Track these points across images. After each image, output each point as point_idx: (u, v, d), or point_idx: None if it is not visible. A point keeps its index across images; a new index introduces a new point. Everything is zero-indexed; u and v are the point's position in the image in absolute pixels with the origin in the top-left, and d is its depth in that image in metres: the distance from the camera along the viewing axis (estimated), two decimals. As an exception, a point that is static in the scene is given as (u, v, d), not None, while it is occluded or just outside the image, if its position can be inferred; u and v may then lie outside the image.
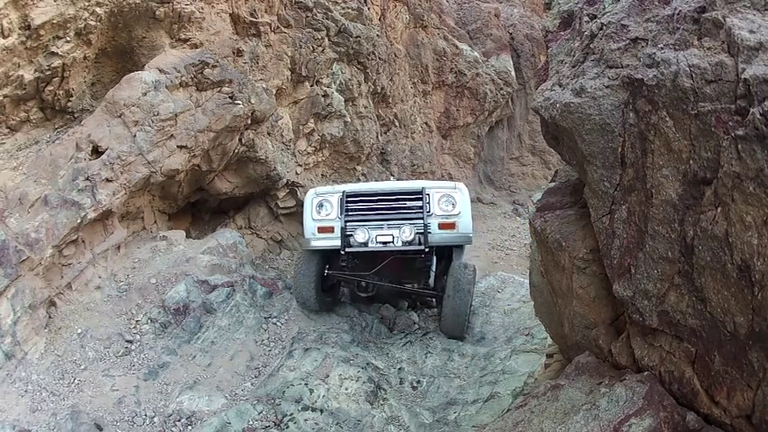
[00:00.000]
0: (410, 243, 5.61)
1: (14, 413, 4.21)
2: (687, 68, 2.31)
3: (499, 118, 15.54)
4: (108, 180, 5.51)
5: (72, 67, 5.76)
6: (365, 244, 5.64)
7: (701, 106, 2.24)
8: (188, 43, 6.60)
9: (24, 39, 5.06)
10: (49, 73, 5.47)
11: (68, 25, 5.35)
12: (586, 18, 3.23)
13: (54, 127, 5.95)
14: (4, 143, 5.50)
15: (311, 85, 9.07)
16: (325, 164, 10.06)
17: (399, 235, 5.62)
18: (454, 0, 15.18)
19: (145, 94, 5.87)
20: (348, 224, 5.73)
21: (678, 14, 2.52)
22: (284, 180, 8.34)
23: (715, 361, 2.29)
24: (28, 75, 5.30)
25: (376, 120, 10.97)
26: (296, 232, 8.91)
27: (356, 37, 9.54)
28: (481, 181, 15.26)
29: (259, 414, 4.43)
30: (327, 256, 6.11)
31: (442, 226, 5.72)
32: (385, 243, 5.65)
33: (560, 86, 3.10)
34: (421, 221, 5.66)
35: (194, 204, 8.01)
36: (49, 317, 5.07)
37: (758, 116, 1.98)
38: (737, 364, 2.19)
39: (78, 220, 5.19)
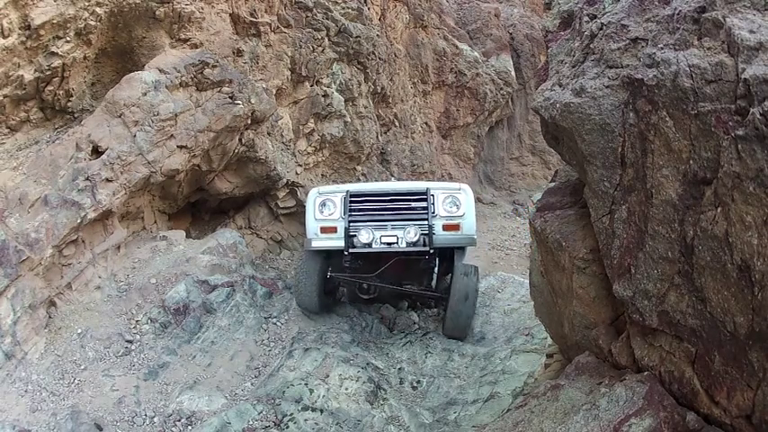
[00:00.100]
0: (414, 244, 5.54)
1: (14, 413, 4.21)
2: (687, 68, 2.31)
3: (499, 118, 15.54)
4: (108, 180, 5.51)
5: (72, 67, 5.76)
6: (369, 245, 5.57)
7: (701, 106, 2.24)
8: (188, 43, 6.60)
9: (24, 39, 5.06)
10: (49, 73, 5.47)
11: (68, 25, 5.35)
12: (586, 18, 3.23)
13: (54, 127, 5.95)
14: (4, 143, 5.50)
15: (311, 85, 9.07)
16: (325, 164, 10.06)
17: (404, 236, 5.55)
18: (454, 0, 15.18)
19: (145, 94, 5.87)
20: (352, 224, 5.65)
21: (678, 14, 2.52)
22: (284, 180, 8.34)
23: (715, 361, 2.29)
24: (28, 75, 5.30)
25: (376, 120, 10.97)
26: (296, 232, 8.91)
27: (356, 37, 9.54)
28: (481, 181, 15.26)
29: (259, 414, 4.43)
30: (330, 257, 6.03)
31: (446, 227, 5.67)
32: (389, 244, 5.58)
33: (560, 86, 3.10)
34: (425, 222, 5.61)
35: (194, 204, 8.01)
36: (49, 317, 5.07)
37: (758, 116, 1.98)
38: (737, 364, 2.19)
39: (78, 220, 5.19)
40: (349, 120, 9.91)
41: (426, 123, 13.49)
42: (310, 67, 8.76)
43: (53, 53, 5.39)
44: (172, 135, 6.12)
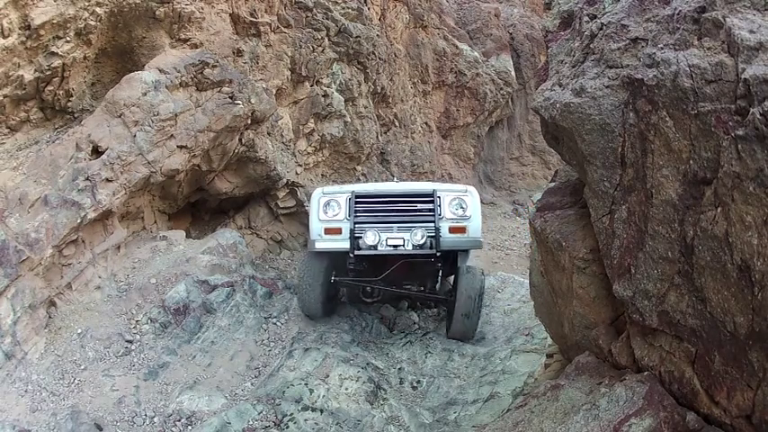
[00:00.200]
0: (421, 247, 5.46)
1: (14, 413, 4.21)
2: (687, 68, 2.31)
3: (499, 118, 15.55)
4: (108, 180, 5.50)
5: (72, 67, 5.76)
6: (375, 247, 5.46)
7: (701, 106, 2.24)
8: (188, 43, 6.60)
9: (24, 39, 5.06)
10: (49, 73, 5.47)
11: (68, 25, 5.35)
12: (586, 18, 3.23)
13: (54, 127, 5.95)
14: (4, 143, 5.50)
15: (311, 85, 9.07)
16: (326, 164, 10.07)
17: (410, 238, 5.46)
18: (454, 0, 15.18)
19: (145, 94, 5.87)
20: (357, 226, 5.55)
21: (678, 14, 2.52)
22: (284, 180, 8.34)
23: (715, 361, 2.29)
24: (28, 75, 5.30)
25: (376, 120, 10.98)
26: (296, 232, 8.91)
27: (356, 37, 9.55)
28: (481, 181, 15.27)
29: (259, 414, 4.43)
30: (333, 259, 5.90)
31: (452, 230, 5.59)
32: (395, 246, 5.49)
33: (560, 86, 3.10)
34: (432, 225, 5.53)
35: (194, 204, 8.01)
36: (49, 317, 5.07)
37: (758, 116, 1.98)
38: (737, 364, 2.18)
39: (78, 220, 5.19)
40: (349, 120, 9.91)
41: (426, 123, 13.50)
42: (310, 67, 8.76)
43: (53, 53, 5.39)
44: (172, 135, 6.12)
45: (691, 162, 2.33)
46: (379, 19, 11.17)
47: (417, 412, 4.63)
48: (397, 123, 12.18)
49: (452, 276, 6.39)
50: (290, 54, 8.21)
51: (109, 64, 6.37)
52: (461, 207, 5.70)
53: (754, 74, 2.05)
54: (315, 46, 8.75)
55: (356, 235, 5.52)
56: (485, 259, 10.64)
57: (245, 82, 6.96)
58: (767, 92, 2.00)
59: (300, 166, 9.01)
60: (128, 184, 5.72)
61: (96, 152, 5.57)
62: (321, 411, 4.49)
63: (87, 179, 5.34)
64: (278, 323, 5.88)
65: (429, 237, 5.49)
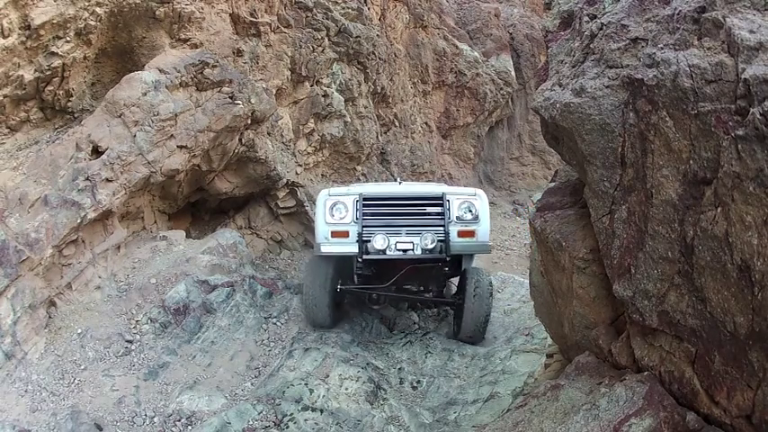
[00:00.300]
0: (431, 251, 5.32)
1: (14, 413, 4.21)
2: (687, 68, 2.31)
3: (499, 118, 15.55)
4: (108, 180, 5.51)
5: (72, 67, 5.76)
6: (383, 251, 5.29)
7: (701, 106, 2.24)
8: (188, 43, 6.60)
9: (24, 39, 5.06)
10: (49, 73, 5.47)
11: (68, 25, 5.35)
12: (586, 18, 3.23)
13: (54, 127, 5.95)
14: (4, 143, 5.50)
15: (311, 85, 9.07)
16: (326, 164, 10.07)
17: (420, 242, 5.31)
18: (454, 0, 15.19)
19: (145, 94, 5.87)
20: (365, 229, 5.39)
21: (678, 14, 2.52)
22: (284, 180, 8.34)
23: (715, 361, 2.29)
24: (28, 75, 5.30)
25: (376, 120, 10.98)
26: (296, 232, 8.91)
27: (356, 37, 9.55)
28: (481, 181, 15.27)
29: (259, 414, 4.43)
30: (339, 264, 5.74)
31: (461, 234, 5.47)
32: (404, 251, 5.33)
33: (560, 86, 3.10)
34: (441, 228, 5.40)
35: (194, 204, 8.01)
36: (49, 317, 5.07)
37: (758, 116, 1.98)
38: (737, 364, 2.18)
39: (78, 220, 5.19)
40: (349, 120, 9.91)
41: (426, 123, 13.50)
42: (310, 67, 8.76)
43: (53, 53, 5.39)
44: (172, 135, 6.12)
45: (691, 162, 2.33)
46: (379, 19, 11.17)
47: (417, 412, 4.63)
48: (397, 123, 12.19)
49: (456, 278, 6.35)
50: (290, 54, 8.22)
51: (109, 64, 6.37)
52: (470, 210, 5.58)
53: (754, 74, 2.05)
54: (315, 46, 8.76)
55: (364, 239, 5.36)
56: (485, 259, 10.64)
57: (245, 82, 6.96)
58: (767, 92, 2.00)
59: (300, 166, 9.01)
60: (128, 184, 5.72)
61: (96, 152, 5.57)
62: (321, 411, 4.49)
63: (87, 179, 5.34)
64: (278, 323, 5.88)
65: (439, 241, 5.35)
